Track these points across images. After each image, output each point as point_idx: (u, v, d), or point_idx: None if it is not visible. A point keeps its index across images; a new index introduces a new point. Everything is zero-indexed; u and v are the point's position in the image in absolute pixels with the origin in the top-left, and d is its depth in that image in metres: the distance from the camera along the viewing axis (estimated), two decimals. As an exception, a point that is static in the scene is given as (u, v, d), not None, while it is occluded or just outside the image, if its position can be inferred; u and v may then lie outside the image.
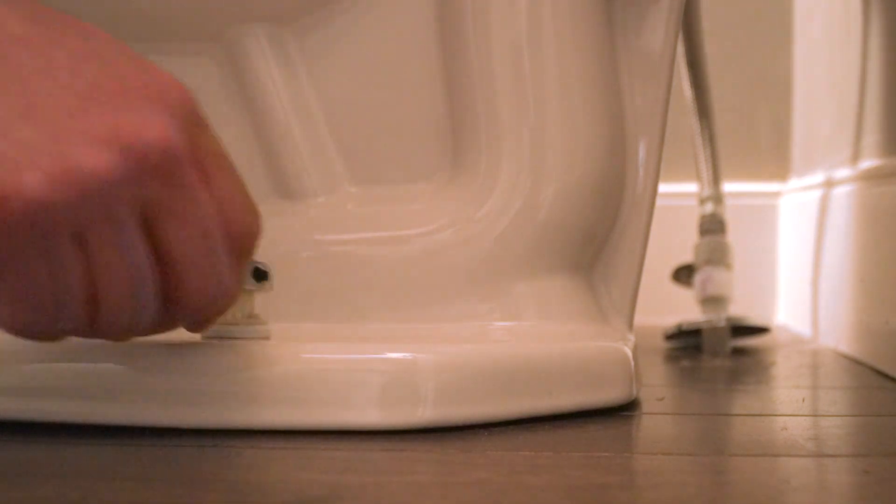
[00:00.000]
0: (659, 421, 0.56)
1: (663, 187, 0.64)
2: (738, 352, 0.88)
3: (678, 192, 1.09)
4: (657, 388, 0.67)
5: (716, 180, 0.95)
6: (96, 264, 0.41)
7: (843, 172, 0.91)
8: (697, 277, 0.93)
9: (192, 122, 0.42)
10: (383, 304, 0.58)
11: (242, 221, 0.44)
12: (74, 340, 0.46)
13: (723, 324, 0.88)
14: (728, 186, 0.98)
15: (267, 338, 0.52)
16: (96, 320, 0.43)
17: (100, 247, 0.41)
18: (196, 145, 0.42)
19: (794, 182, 1.18)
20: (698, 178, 0.96)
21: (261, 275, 0.50)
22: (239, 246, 0.44)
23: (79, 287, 0.41)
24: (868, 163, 0.84)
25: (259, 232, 0.45)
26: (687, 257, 0.96)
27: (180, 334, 0.54)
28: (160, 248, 0.42)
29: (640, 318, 0.64)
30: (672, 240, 0.99)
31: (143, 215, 0.41)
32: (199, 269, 0.43)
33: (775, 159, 1.23)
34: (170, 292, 0.43)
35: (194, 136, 0.42)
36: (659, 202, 0.63)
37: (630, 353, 0.58)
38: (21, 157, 0.39)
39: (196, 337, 0.53)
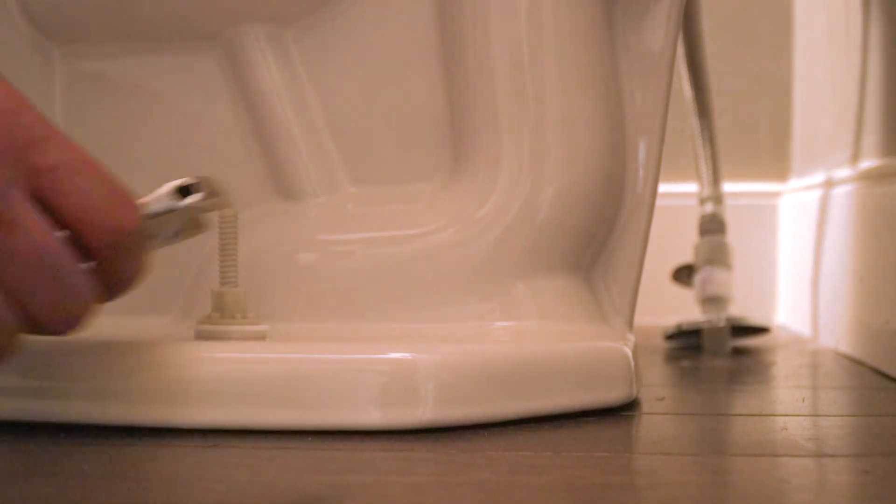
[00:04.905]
0: (659, 421, 0.56)
1: (663, 187, 0.64)
2: (738, 352, 0.88)
3: (678, 192, 1.09)
4: (657, 388, 0.67)
5: (716, 180, 0.95)
6: None
7: (843, 172, 0.91)
8: (697, 277, 0.93)
9: (23, 144, 0.41)
10: (383, 304, 0.58)
11: (101, 220, 0.42)
12: (77, 340, 0.46)
13: (723, 324, 0.88)
14: (728, 186, 0.98)
15: (263, 338, 0.52)
16: None
17: None
18: (30, 167, 0.41)
19: (794, 182, 1.18)
20: (698, 178, 0.96)
21: (185, 191, 0.46)
22: (102, 242, 0.43)
23: None
24: (868, 163, 0.84)
25: (128, 223, 0.43)
26: (687, 257, 0.96)
27: (178, 333, 0.55)
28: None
29: (640, 318, 0.64)
30: (672, 240, 0.99)
31: None
32: (36, 294, 0.42)
33: (775, 159, 1.23)
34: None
35: (26, 157, 0.41)
36: (659, 202, 0.63)
37: (630, 353, 0.58)
38: None
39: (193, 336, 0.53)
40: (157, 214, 0.46)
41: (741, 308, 0.98)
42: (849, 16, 0.93)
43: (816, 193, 1.00)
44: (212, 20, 0.60)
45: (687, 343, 0.91)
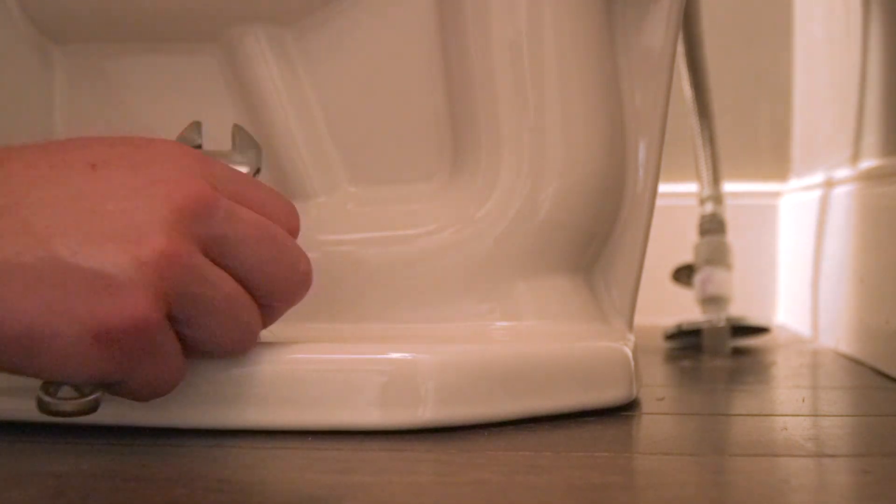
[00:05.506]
0: (659, 421, 0.56)
1: (663, 187, 0.64)
2: (738, 352, 0.88)
3: (678, 192, 1.09)
4: (657, 388, 0.67)
5: (716, 180, 0.95)
6: (198, 317, 0.45)
7: (843, 172, 0.91)
8: (697, 277, 0.93)
9: (206, 161, 0.47)
10: (383, 304, 0.58)
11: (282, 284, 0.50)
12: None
13: (723, 324, 0.88)
14: (728, 186, 0.98)
15: (261, 337, 0.52)
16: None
17: (199, 302, 0.45)
18: (222, 181, 0.47)
19: (794, 182, 1.18)
20: (698, 178, 0.96)
21: None
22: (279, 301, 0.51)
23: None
24: (868, 163, 0.84)
25: (307, 282, 0.51)
26: (687, 257, 0.96)
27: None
28: (239, 269, 0.46)
29: (640, 318, 0.64)
30: (672, 240, 0.99)
31: (210, 253, 0.45)
32: (223, 334, 0.47)
33: (775, 159, 1.23)
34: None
35: (216, 173, 0.47)
36: (659, 202, 0.63)
37: (630, 353, 0.58)
38: (106, 279, 0.42)
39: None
40: None
41: (741, 308, 0.98)
42: (849, 16, 0.93)
43: (816, 193, 1.00)
44: (212, 20, 0.60)
45: (687, 343, 0.91)
